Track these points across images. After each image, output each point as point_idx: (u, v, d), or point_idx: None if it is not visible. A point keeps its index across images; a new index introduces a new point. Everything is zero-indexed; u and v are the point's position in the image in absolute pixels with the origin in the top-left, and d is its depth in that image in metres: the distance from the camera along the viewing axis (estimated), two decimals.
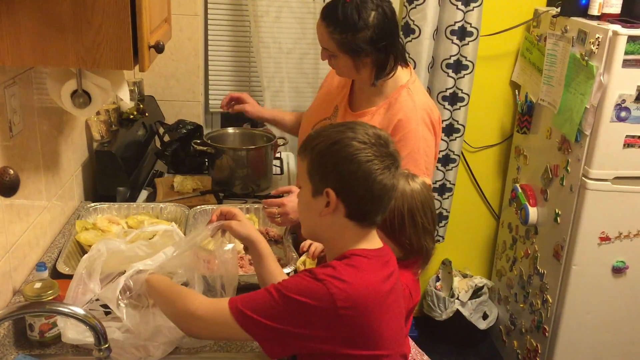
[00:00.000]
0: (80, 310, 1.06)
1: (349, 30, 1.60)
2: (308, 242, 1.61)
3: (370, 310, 1.08)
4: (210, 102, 2.79)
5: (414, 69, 2.42)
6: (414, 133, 1.64)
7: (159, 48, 1.28)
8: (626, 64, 2.02)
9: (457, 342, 2.95)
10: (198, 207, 1.93)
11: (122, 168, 1.99)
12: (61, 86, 1.37)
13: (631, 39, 2.00)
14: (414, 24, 2.55)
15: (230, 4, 2.64)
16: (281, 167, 2.52)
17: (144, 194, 2.18)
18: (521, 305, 2.69)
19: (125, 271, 1.31)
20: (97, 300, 1.24)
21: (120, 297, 1.28)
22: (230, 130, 2.43)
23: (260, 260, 1.34)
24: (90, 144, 2.05)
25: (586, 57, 2.13)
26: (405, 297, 1.30)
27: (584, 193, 2.19)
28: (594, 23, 2.15)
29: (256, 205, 1.99)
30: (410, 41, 2.56)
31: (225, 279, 1.46)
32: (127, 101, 1.47)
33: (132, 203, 1.95)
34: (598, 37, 2.08)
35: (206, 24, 2.66)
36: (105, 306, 1.24)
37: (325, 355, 1.09)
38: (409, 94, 1.71)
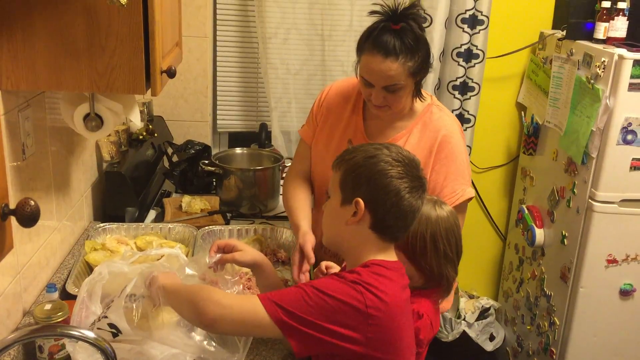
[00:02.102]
0: (90, 334, 1.06)
1: (418, 50, 1.53)
2: (323, 265, 1.62)
3: (395, 315, 1.13)
4: (218, 122, 2.81)
5: None
6: (458, 147, 1.66)
7: (170, 73, 1.30)
8: (632, 87, 2.03)
9: None
10: (206, 227, 1.94)
11: (131, 188, 2.01)
12: (74, 110, 1.40)
13: (637, 62, 2.01)
14: None
15: (239, 26, 2.67)
16: None
17: (152, 213, 2.19)
18: (528, 327, 2.67)
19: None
20: (106, 317, 1.24)
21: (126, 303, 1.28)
22: (238, 150, 2.45)
23: (267, 282, 1.37)
24: (100, 164, 2.07)
25: (592, 81, 2.14)
26: (425, 327, 1.33)
27: (591, 215, 2.19)
28: (600, 47, 2.17)
29: (263, 226, 2.00)
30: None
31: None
32: (137, 124, 1.49)
33: (140, 223, 1.97)
34: (604, 61, 2.09)
35: (215, 45, 2.69)
36: (113, 326, 1.24)
37: (348, 357, 1.12)
38: (441, 110, 1.71)
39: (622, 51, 2.05)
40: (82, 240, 1.82)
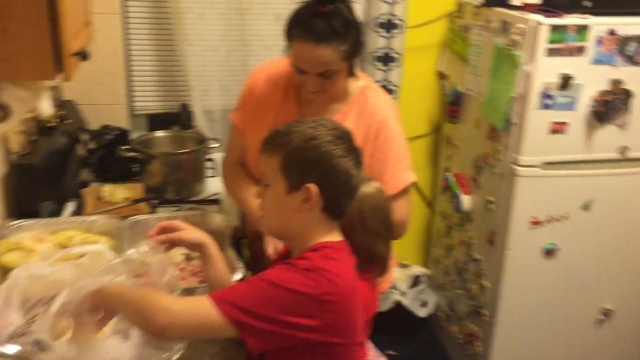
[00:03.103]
0: (11, 350, 0.96)
1: (349, 32, 1.48)
2: (270, 246, 1.56)
3: (348, 298, 1.12)
4: (135, 104, 2.66)
5: None
6: (395, 131, 1.63)
7: (84, 55, 1.20)
8: (549, 52, 2.08)
9: (397, 331, 2.99)
10: (132, 217, 1.84)
11: (44, 181, 1.87)
12: None
13: (554, 28, 2.06)
14: None
15: (149, 2, 2.53)
16: (214, 169, 2.44)
17: (70, 206, 2.05)
18: (458, 292, 2.75)
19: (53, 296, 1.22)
20: (30, 333, 1.14)
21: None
22: (160, 133, 2.34)
23: (212, 262, 1.30)
24: (8, 156, 1.91)
25: (510, 47, 2.18)
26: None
27: (514, 179, 2.25)
28: (517, 13, 2.21)
29: (192, 213, 1.92)
30: None
31: (167, 292, 1.40)
32: (48, 111, 1.37)
33: (59, 218, 1.84)
34: (521, 27, 2.13)
35: (126, 23, 2.54)
36: (39, 342, 1.14)
37: (306, 347, 1.09)
38: (375, 93, 1.67)
39: (539, 17, 2.09)
40: None
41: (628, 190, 2.32)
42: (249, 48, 2.61)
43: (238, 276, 1.56)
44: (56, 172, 2.01)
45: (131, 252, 1.31)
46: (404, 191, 1.63)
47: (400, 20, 2.57)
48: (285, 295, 1.05)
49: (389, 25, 2.57)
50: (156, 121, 2.72)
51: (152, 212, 1.99)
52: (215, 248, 1.30)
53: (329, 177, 1.12)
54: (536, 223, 2.30)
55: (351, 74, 1.61)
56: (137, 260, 1.30)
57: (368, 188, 1.38)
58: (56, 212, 1.95)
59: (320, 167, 1.12)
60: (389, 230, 1.42)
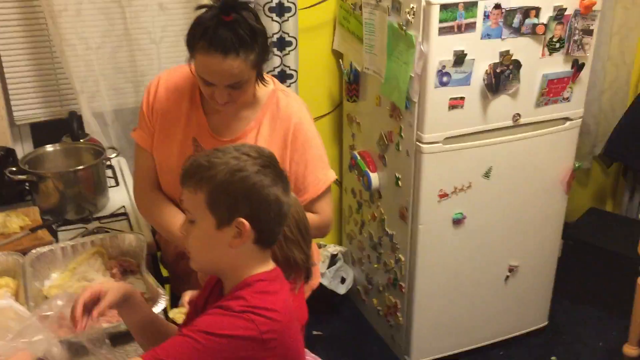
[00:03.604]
0: None
1: (256, 41, 1.42)
2: (187, 295, 1.50)
3: (290, 329, 1.11)
4: (15, 114, 2.44)
5: None
6: (311, 132, 1.61)
7: None
8: (442, 31, 2.11)
9: (319, 311, 3.02)
10: (33, 250, 1.70)
11: None
12: None
13: (443, 7, 2.09)
14: None
15: (16, 2, 2.29)
16: (115, 178, 2.32)
17: None
18: (375, 266, 2.82)
19: None
20: None
21: None
22: (49, 148, 2.17)
23: (138, 308, 1.23)
24: None
25: (404, 27, 2.19)
26: None
27: (420, 157, 2.30)
28: None
29: (101, 236, 1.81)
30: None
31: (91, 333, 1.32)
32: None
33: None
34: (413, 7, 2.14)
35: None
36: None
37: None
38: (286, 95, 1.62)
39: None
40: None
41: (522, 154, 2.44)
42: (136, 43, 2.46)
43: (161, 305, 1.50)
44: None
45: (44, 307, 1.22)
46: (327, 190, 1.63)
47: (291, 2, 2.51)
48: (225, 343, 1.01)
49: (281, 9, 2.50)
50: (41, 131, 2.53)
51: (54, 240, 1.86)
52: (138, 294, 1.23)
53: (260, 209, 1.07)
54: (443, 196, 2.38)
55: (261, 79, 1.55)
56: (53, 316, 1.21)
57: None
58: None
59: (251, 200, 1.06)
60: (304, 234, 1.39)
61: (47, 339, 1.26)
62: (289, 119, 1.58)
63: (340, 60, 2.80)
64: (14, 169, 2.02)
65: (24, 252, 1.72)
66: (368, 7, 2.41)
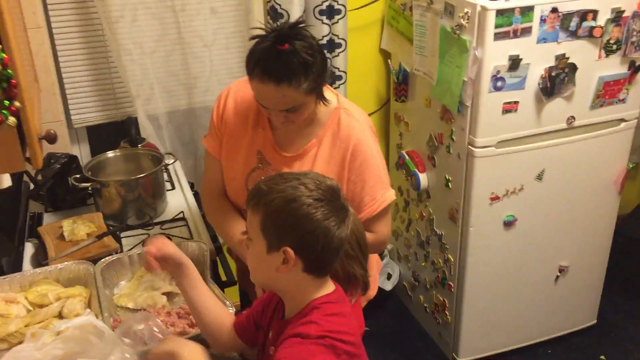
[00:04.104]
0: None
1: (309, 70, 1.44)
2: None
3: (361, 345, 1.19)
4: (73, 118, 2.52)
5: None
6: (371, 152, 1.61)
7: (50, 138, 1.11)
8: (497, 36, 2.10)
9: (365, 307, 3.06)
10: (102, 260, 1.77)
11: (3, 238, 1.76)
12: None
13: (499, 12, 2.07)
14: (280, 8, 2.45)
15: (76, 11, 2.35)
16: (171, 181, 2.37)
17: (29, 248, 1.95)
18: (422, 264, 2.84)
19: None
20: None
21: None
22: (110, 154, 2.23)
23: (193, 284, 1.37)
24: None
25: (457, 31, 2.18)
26: None
27: (472, 160, 2.30)
28: None
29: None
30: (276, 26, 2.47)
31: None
32: (7, 183, 1.27)
33: (26, 272, 1.74)
34: (467, 12, 2.13)
35: (52, 36, 2.36)
36: None
37: None
38: (348, 114, 1.63)
39: (485, 1, 2.09)
40: None
41: (575, 156, 2.42)
42: (189, 47, 2.50)
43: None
44: (10, 218, 1.90)
45: (124, 327, 1.28)
46: (384, 211, 1.64)
47: (341, 4, 2.51)
48: None
49: (331, 12, 2.51)
50: (97, 133, 2.60)
51: (119, 246, 1.92)
52: (194, 268, 1.37)
53: (307, 240, 1.11)
54: (495, 199, 2.38)
55: (320, 99, 1.57)
56: (130, 333, 1.28)
57: None
58: (18, 259, 1.85)
59: (297, 231, 1.10)
60: (364, 251, 1.42)
61: (125, 352, 1.32)
62: (349, 139, 1.60)
63: (389, 59, 2.79)
64: (78, 176, 2.09)
65: (92, 260, 1.79)
66: (419, 9, 2.39)
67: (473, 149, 2.28)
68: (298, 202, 1.10)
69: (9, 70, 0.73)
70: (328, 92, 1.62)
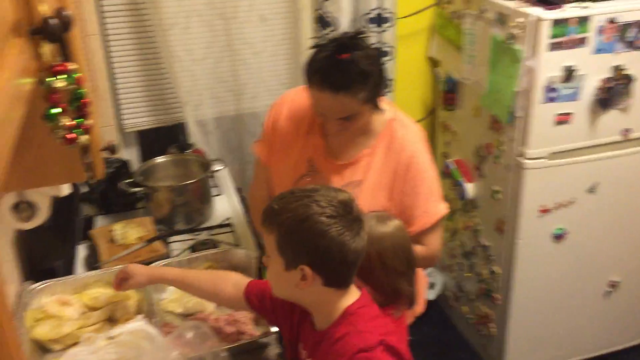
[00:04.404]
0: None
1: (368, 79, 1.46)
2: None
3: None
4: (124, 122, 2.57)
5: None
6: (424, 165, 1.60)
7: (111, 149, 1.14)
8: (552, 47, 2.05)
9: None
10: (154, 264, 1.79)
11: (55, 236, 1.81)
12: None
13: (555, 22, 2.02)
14: (329, 16, 2.45)
15: (130, 19, 2.40)
16: (218, 187, 2.40)
17: (81, 251, 2.00)
18: (467, 274, 2.80)
19: None
20: None
21: None
22: (160, 159, 2.27)
23: (170, 283, 1.56)
24: None
25: (509, 41, 2.14)
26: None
27: (522, 171, 2.26)
28: (512, 4, 2.16)
29: (213, 251, 1.89)
30: (328, 34, 2.47)
31: (213, 352, 1.41)
32: (67, 191, 1.31)
33: (78, 275, 1.79)
34: (520, 21, 2.09)
35: (106, 43, 2.41)
36: None
37: None
38: (403, 126, 1.63)
39: (539, 11, 2.05)
40: (19, 310, 1.63)
41: (630, 168, 2.35)
42: (238, 55, 2.52)
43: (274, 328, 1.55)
44: (64, 225, 1.95)
45: (176, 334, 1.30)
46: (436, 224, 1.62)
47: (390, 13, 2.50)
48: None
49: (380, 20, 2.50)
50: (147, 137, 2.64)
51: (168, 251, 1.95)
52: (174, 272, 1.56)
53: (322, 257, 1.13)
54: (545, 211, 2.33)
55: (376, 109, 1.57)
56: (182, 337, 1.30)
57: (386, 227, 1.38)
58: (71, 262, 1.89)
59: (312, 249, 1.12)
60: (412, 267, 1.41)
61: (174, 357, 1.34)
62: (402, 151, 1.59)
63: (437, 67, 2.77)
64: (129, 180, 2.13)
65: (142, 264, 1.81)
66: (470, 17, 2.36)
67: (523, 160, 2.24)
68: (311, 221, 1.12)
69: (82, 90, 0.75)
70: (383, 102, 1.61)
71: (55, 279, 1.73)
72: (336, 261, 1.13)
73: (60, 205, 1.97)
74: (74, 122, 0.73)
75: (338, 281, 1.18)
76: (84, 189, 2.21)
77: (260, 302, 1.39)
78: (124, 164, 2.22)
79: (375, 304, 1.26)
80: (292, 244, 1.14)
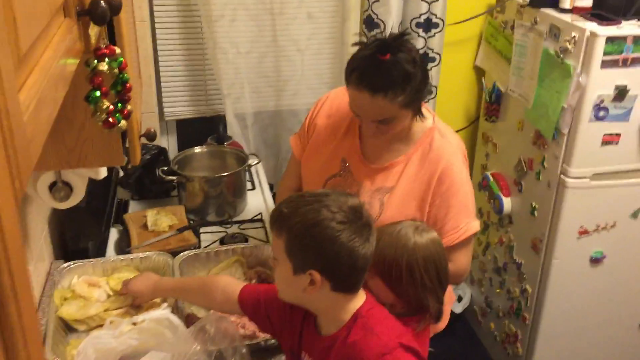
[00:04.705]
0: None
1: (408, 83, 1.40)
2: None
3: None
4: (165, 110, 2.59)
5: None
6: (459, 178, 1.53)
7: (150, 136, 1.13)
8: (605, 64, 1.99)
9: None
10: (181, 254, 1.80)
11: (90, 217, 1.83)
12: (36, 180, 1.21)
13: (610, 39, 1.96)
14: (377, 18, 2.43)
15: (178, 8, 2.41)
16: (252, 181, 2.40)
17: (113, 234, 2.02)
18: (497, 290, 2.74)
19: None
20: None
21: None
22: (197, 150, 2.28)
23: (186, 294, 1.54)
24: None
25: (561, 55, 2.09)
26: None
27: (563, 190, 2.19)
28: (567, 18, 2.10)
29: (242, 246, 1.88)
30: (375, 36, 2.45)
31: (233, 346, 1.40)
32: (103, 174, 1.31)
33: (109, 258, 1.80)
34: (574, 36, 2.03)
35: (154, 31, 2.43)
36: None
37: None
38: (442, 136, 1.56)
39: (594, 26, 1.99)
40: (48, 288, 1.65)
41: None
42: (282, 52, 2.51)
43: None
44: (99, 207, 1.97)
45: (198, 326, 1.29)
46: (466, 241, 1.56)
47: (439, 19, 2.46)
48: None
49: (428, 25, 2.46)
50: (186, 126, 2.66)
51: (197, 241, 1.96)
52: (171, 282, 1.58)
53: (331, 263, 1.12)
54: (583, 232, 2.26)
55: (417, 115, 1.53)
56: (204, 330, 1.29)
57: (421, 239, 1.33)
58: (103, 244, 1.91)
59: (322, 255, 1.11)
60: (443, 283, 1.36)
61: (194, 350, 1.34)
62: (438, 162, 1.53)
63: (482, 77, 2.71)
64: (165, 168, 2.14)
65: (171, 252, 1.83)
66: (522, 28, 2.31)
67: (566, 178, 2.18)
68: (321, 226, 1.10)
69: (125, 75, 0.75)
70: (425, 110, 1.57)
71: (86, 260, 1.75)
72: (345, 267, 1.13)
73: (96, 187, 2.00)
74: (114, 107, 0.72)
75: (347, 286, 1.17)
76: (121, 173, 2.23)
77: (254, 309, 1.36)
78: (161, 151, 2.23)
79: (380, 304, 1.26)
80: (301, 248, 1.13)
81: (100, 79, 0.69)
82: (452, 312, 2.95)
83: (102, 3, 0.60)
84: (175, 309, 1.56)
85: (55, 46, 0.52)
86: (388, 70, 1.38)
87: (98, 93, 0.69)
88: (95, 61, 0.67)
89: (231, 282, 1.45)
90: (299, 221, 1.12)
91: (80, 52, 0.63)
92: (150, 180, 2.20)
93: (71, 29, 0.59)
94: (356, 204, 1.15)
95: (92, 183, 1.92)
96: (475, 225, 1.56)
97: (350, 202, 1.14)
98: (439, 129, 1.58)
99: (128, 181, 2.21)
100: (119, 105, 0.75)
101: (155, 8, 2.40)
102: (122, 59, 0.72)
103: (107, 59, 0.68)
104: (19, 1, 0.40)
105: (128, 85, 0.77)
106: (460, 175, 1.54)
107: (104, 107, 0.70)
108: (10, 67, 0.37)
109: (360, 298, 1.20)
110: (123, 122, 0.75)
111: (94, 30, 0.65)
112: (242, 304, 1.37)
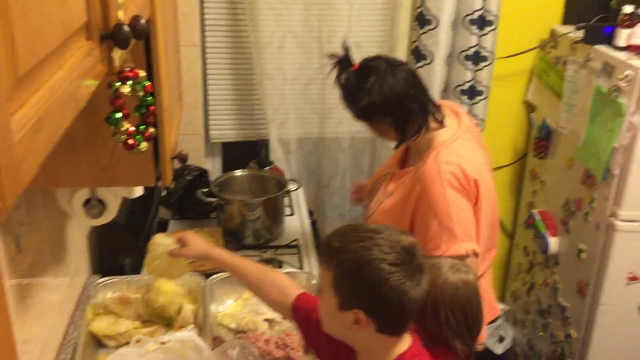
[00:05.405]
0: None
1: (352, 100, 1.59)
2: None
3: None
4: (211, 133, 2.63)
5: None
6: (437, 200, 1.50)
7: (182, 158, 1.15)
8: None
9: None
10: (214, 275, 1.81)
11: (128, 235, 1.86)
12: (72, 194, 1.24)
13: None
14: (425, 49, 2.41)
15: (228, 32, 2.47)
16: (291, 207, 2.40)
17: None
18: (540, 333, 2.63)
19: None
20: None
21: None
22: (238, 173, 2.30)
23: (221, 264, 1.50)
24: None
25: (614, 93, 2.02)
26: None
27: (613, 233, 2.10)
28: (622, 56, 2.04)
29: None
30: (422, 67, 2.43)
31: None
32: (138, 193, 1.33)
33: (143, 276, 1.82)
34: (627, 74, 1.96)
35: (204, 55, 2.49)
36: None
37: None
38: (435, 157, 1.55)
39: None
40: (82, 302, 1.68)
41: None
42: (328, 77, 2.51)
43: None
44: (139, 224, 2.00)
45: (222, 348, 1.28)
46: None
47: (489, 52, 2.42)
48: None
49: (477, 58, 2.43)
50: (230, 149, 2.69)
51: None
52: (220, 254, 1.48)
53: (379, 304, 1.08)
54: (633, 279, 2.16)
55: (403, 131, 1.59)
56: (228, 354, 1.28)
57: (453, 277, 1.28)
58: (139, 261, 1.94)
59: (370, 295, 1.07)
60: (472, 328, 1.29)
61: None
62: (420, 181, 1.54)
63: (532, 113, 2.65)
64: (205, 190, 2.17)
65: (205, 273, 1.84)
66: (574, 64, 2.25)
67: (615, 221, 2.08)
68: (371, 267, 1.06)
69: (149, 98, 0.76)
70: (447, 129, 1.60)
71: (120, 277, 1.78)
72: (393, 310, 1.09)
73: (137, 205, 2.04)
74: (134, 129, 0.73)
75: (392, 329, 1.13)
76: (163, 193, 2.27)
77: (305, 321, 1.32)
78: (203, 173, 2.26)
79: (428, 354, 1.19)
80: (349, 286, 1.09)
81: (121, 101, 0.70)
82: (491, 353, 2.86)
83: (126, 27, 0.61)
84: (202, 332, 1.56)
85: (70, 67, 0.53)
86: (347, 78, 1.60)
87: (119, 114, 0.70)
88: (118, 83, 0.68)
89: (290, 284, 1.40)
90: (349, 258, 1.08)
91: (101, 74, 0.65)
92: (191, 200, 2.23)
93: (92, 51, 0.60)
94: (410, 244, 1.10)
95: (133, 201, 1.96)
96: (457, 249, 1.49)
97: (403, 241, 1.10)
98: (440, 149, 1.55)
99: (170, 201, 2.25)
100: (142, 127, 0.75)
101: (206, 33, 2.46)
102: (147, 82, 0.73)
103: (131, 82, 0.69)
104: (21, 22, 0.41)
105: (152, 108, 0.78)
106: (438, 198, 1.50)
107: (123, 128, 0.71)
108: (3, 87, 0.38)
109: (405, 342, 1.16)
110: (144, 144, 0.76)
111: (118, 54, 0.66)
112: (294, 312, 1.34)
